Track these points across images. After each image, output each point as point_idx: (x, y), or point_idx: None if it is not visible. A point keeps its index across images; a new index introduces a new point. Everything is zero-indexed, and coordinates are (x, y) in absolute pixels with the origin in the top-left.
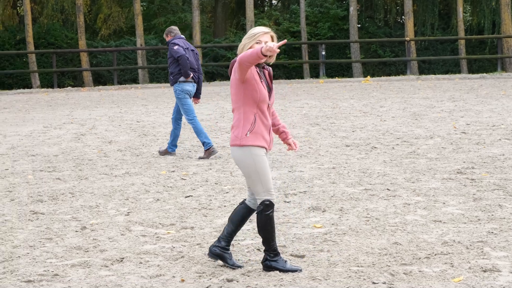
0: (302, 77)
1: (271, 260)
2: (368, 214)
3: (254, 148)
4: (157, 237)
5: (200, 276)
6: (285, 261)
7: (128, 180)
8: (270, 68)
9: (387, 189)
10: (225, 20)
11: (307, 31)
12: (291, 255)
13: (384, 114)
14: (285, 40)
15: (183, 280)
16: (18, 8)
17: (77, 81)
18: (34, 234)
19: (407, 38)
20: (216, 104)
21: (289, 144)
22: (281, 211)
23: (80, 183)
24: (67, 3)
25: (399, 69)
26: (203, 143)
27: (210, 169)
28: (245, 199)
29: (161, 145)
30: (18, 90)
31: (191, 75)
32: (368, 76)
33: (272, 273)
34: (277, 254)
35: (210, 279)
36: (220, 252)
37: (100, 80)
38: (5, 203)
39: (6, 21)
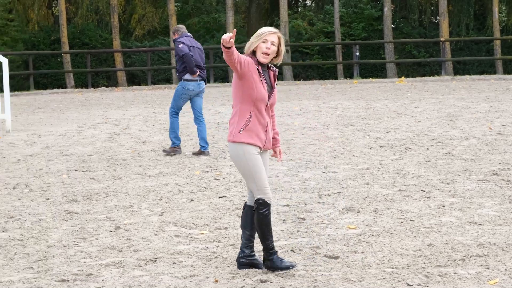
0: (336, 78)
1: (268, 259)
2: (402, 215)
3: (246, 145)
4: (191, 237)
5: (233, 276)
6: (281, 260)
7: (161, 180)
8: (276, 70)
9: (422, 190)
10: (259, 20)
11: (341, 32)
12: (325, 256)
13: (418, 115)
14: (235, 30)
15: (216, 281)
16: (53, 8)
17: (111, 81)
18: (68, 233)
19: (442, 39)
20: None
21: (274, 152)
22: (315, 212)
23: (114, 183)
24: (101, 4)
25: (433, 70)
26: (172, 140)
27: None
28: (246, 202)
29: (194, 146)
30: (53, 90)
31: (198, 72)
32: (402, 77)
33: (305, 273)
34: (273, 253)
35: (244, 279)
36: (248, 260)
37: (134, 80)
38: (39, 203)
39: (41, 21)
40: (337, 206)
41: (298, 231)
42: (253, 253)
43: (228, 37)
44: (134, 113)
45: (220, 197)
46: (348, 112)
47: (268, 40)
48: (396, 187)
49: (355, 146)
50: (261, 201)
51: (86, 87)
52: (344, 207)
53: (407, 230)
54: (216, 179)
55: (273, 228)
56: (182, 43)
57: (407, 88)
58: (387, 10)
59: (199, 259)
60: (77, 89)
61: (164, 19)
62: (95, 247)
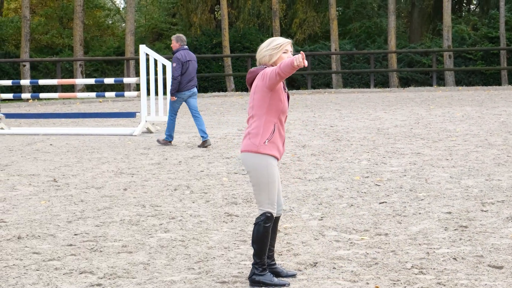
0: (499, 84)
1: (259, 274)
2: None
3: (270, 157)
4: (351, 242)
5: (394, 283)
6: (273, 276)
7: (321, 184)
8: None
9: None
10: (421, 25)
11: (506, 37)
12: (489, 265)
13: None
14: (302, 53)
15: (377, 287)
16: (215, 12)
17: None
18: (228, 235)
19: None
20: (410, 110)
21: None
22: (478, 220)
23: None
24: (263, 8)
25: None
26: (167, 136)
27: (405, 175)
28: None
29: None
30: (213, 93)
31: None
32: None
33: (468, 283)
34: (265, 269)
35: (405, 287)
36: (271, 269)
37: (294, 84)
38: (200, 204)
39: (203, 25)
40: (501, 215)
41: (460, 239)
42: (273, 262)
43: (303, 58)
44: (293, 117)
45: (380, 203)
46: None
47: (288, 50)
48: None
49: None
50: (269, 214)
51: (246, 90)
52: (508, 216)
53: None
54: (376, 184)
55: (435, 235)
56: (178, 59)
57: None
58: None
59: (359, 265)
60: (237, 92)
61: (325, 23)
62: None
